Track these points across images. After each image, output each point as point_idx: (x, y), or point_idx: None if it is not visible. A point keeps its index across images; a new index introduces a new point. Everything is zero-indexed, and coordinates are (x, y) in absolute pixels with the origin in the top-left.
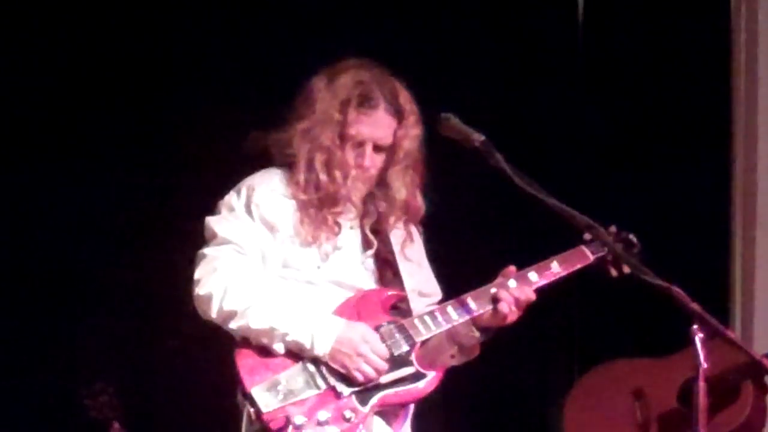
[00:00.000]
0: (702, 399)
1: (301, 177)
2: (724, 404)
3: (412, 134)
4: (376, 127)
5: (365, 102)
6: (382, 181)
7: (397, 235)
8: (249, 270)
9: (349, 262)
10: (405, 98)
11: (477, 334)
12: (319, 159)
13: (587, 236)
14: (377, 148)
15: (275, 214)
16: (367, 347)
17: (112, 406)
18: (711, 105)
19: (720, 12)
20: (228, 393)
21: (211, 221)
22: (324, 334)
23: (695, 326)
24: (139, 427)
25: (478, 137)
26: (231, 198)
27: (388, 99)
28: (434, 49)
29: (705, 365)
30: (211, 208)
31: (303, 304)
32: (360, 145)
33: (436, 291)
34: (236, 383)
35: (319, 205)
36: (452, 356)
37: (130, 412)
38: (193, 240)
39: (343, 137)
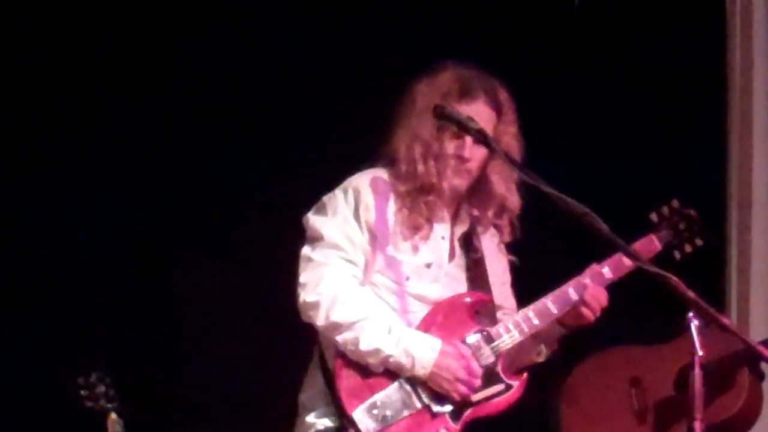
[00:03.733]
0: (698, 386)
1: (402, 168)
2: (721, 391)
3: (512, 131)
4: (476, 119)
5: (465, 94)
6: (480, 179)
7: (488, 243)
8: (355, 280)
9: (434, 277)
10: (504, 95)
11: (562, 330)
12: (417, 150)
13: (654, 218)
14: (477, 141)
15: (379, 220)
16: (464, 372)
17: (108, 397)
18: (706, 89)
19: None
20: (223, 383)
21: (316, 221)
22: (424, 356)
23: (691, 313)
24: (135, 418)
25: (474, 125)
26: (338, 199)
27: (488, 92)
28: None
29: (701, 353)
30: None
31: (400, 322)
32: (460, 136)
33: (513, 306)
34: (334, 404)
35: (416, 195)
36: (538, 353)
37: (126, 402)
38: (188, 231)
39: (442, 129)
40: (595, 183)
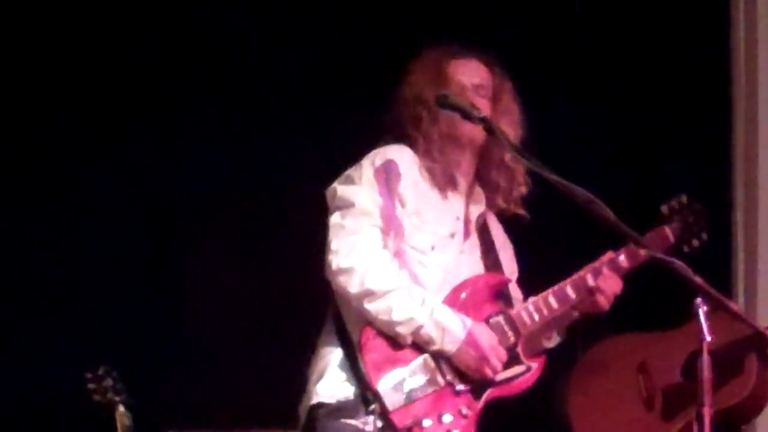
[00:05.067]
0: (706, 372)
1: (419, 139)
2: (729, 377)
3: (508, 88)
4: (474, 74)
5: (460, 54)
6: (486, 163)
7: (497, 233)
8: (387, 250)
9: (459, 250)
10: (500, 70)
11: (576, 315)
12: (426, 116)
13: (665, 210)
14: (483, 92)
15: (409, 189)
16: (492, 353)
17: (116, 390)
18: (710, 78)
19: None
20: (231, 375)
21: (345, 190)
22: (455, 331)
23: (698, 299)
24: (144, 411)
25: (478, 113)
26: (366, 168)
27: (481, 56)
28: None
29: (709, 338)
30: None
31: (430, 296)
32: (464, 90)
33: (515, 270)
34: (357, 376)
35: (440, 158)
36: (548, 339)
37: (134, 395)
38: (199, 222)
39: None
40: (602, 179)
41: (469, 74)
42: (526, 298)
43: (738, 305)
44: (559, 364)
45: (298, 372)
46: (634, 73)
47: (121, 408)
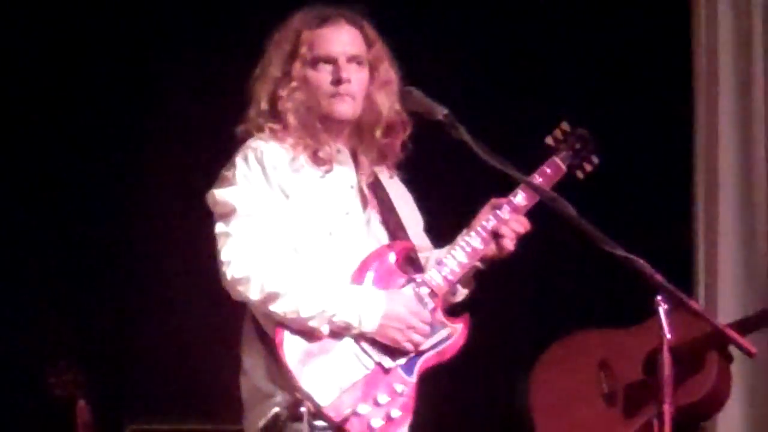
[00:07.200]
0: (667, 369)
1: (285, 125)
2: (690, 374)
3: (384, 53)
4: (343, 41)
5: (324, 21)
6: (366, 108)
7: (392, 187)
8: (279, 246)
9: (356, 227)
10: (367, 25)
11: (479, 265)
12: (284, 92)
13: (550, 141)
14: (355, 62)
15: (287, 178)
16: (415, 319)
17: (77, 384)
18: (673, 75)
19: None
20: (192, 370)
21: (224, 194)
22: (370, 310)
23: (659, 297)
24: (104, 405)
25: (442, 110)
26: (240, 167)
27: (349, 17)
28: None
29: (669, 336)
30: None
31: (337, 281)
32: (333, 62)
33: (429, 245)
34: (282, 378)
35: (313, 138)
36: (453, 294)
37: (95, 389)
38: (157, 214)
39: (310, 61)
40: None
41: (337, 42)
42: (435, 244)
43: (698, 303)
44: (522, 360)
45: None
46: (596, 60)
47: (82, 402)
